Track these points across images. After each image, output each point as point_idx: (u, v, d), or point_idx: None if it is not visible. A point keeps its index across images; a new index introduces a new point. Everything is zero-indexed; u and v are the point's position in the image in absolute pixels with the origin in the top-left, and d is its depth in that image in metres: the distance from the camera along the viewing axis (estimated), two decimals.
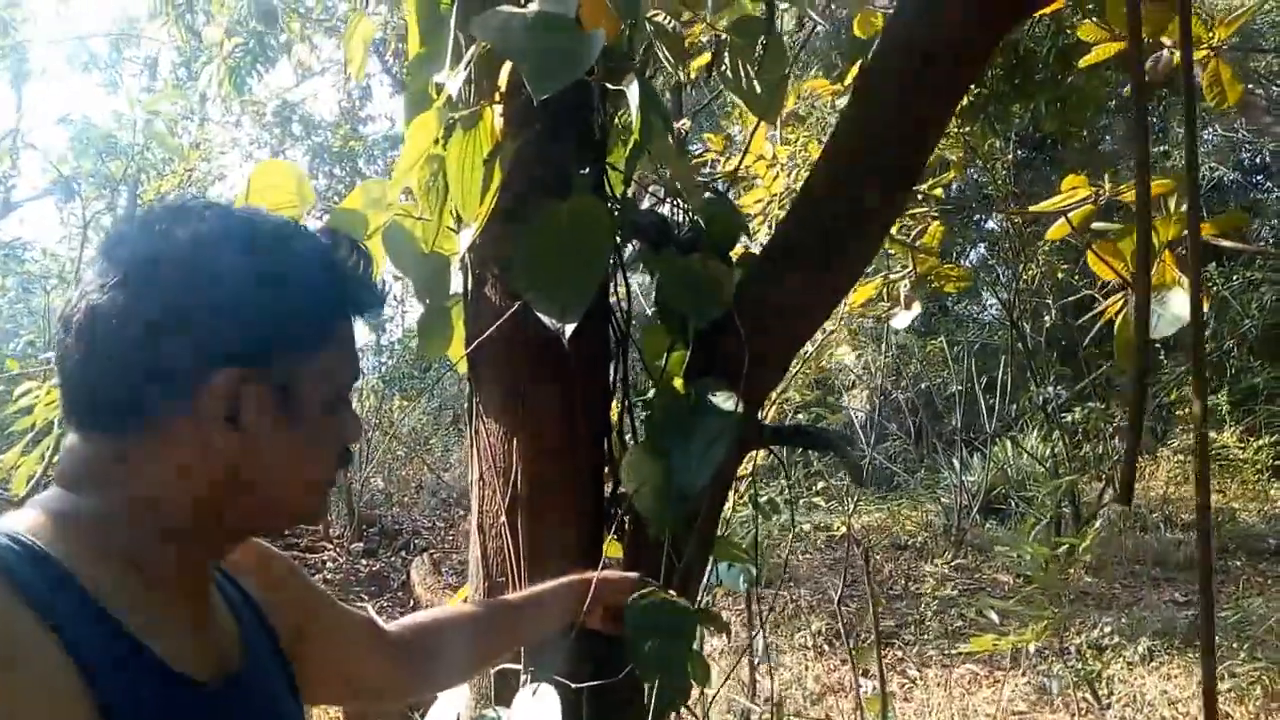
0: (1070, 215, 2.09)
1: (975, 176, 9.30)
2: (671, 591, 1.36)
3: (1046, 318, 8.78)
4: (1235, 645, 5.18)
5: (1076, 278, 8.66)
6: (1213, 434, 9.18)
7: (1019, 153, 9.00)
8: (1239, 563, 7.27)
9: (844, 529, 3.84)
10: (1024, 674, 4.98)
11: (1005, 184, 8.14)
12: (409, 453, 10.53)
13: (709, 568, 1.64)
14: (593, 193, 1.40)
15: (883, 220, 1.39)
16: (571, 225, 1.33)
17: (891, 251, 2.77)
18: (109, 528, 0.76)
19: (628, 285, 1.56)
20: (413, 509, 10.08)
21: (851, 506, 3.47)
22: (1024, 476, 8.68)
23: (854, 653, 3.28)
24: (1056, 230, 2.18)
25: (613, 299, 1.61)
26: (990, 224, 11.21)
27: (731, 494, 1.98)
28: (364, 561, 8.16)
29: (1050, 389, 7.88)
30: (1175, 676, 5.02)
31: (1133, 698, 4.76)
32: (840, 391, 8.94)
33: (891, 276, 2.58)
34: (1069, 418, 8.36)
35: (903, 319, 2.46)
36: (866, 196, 1.32)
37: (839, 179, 1.38)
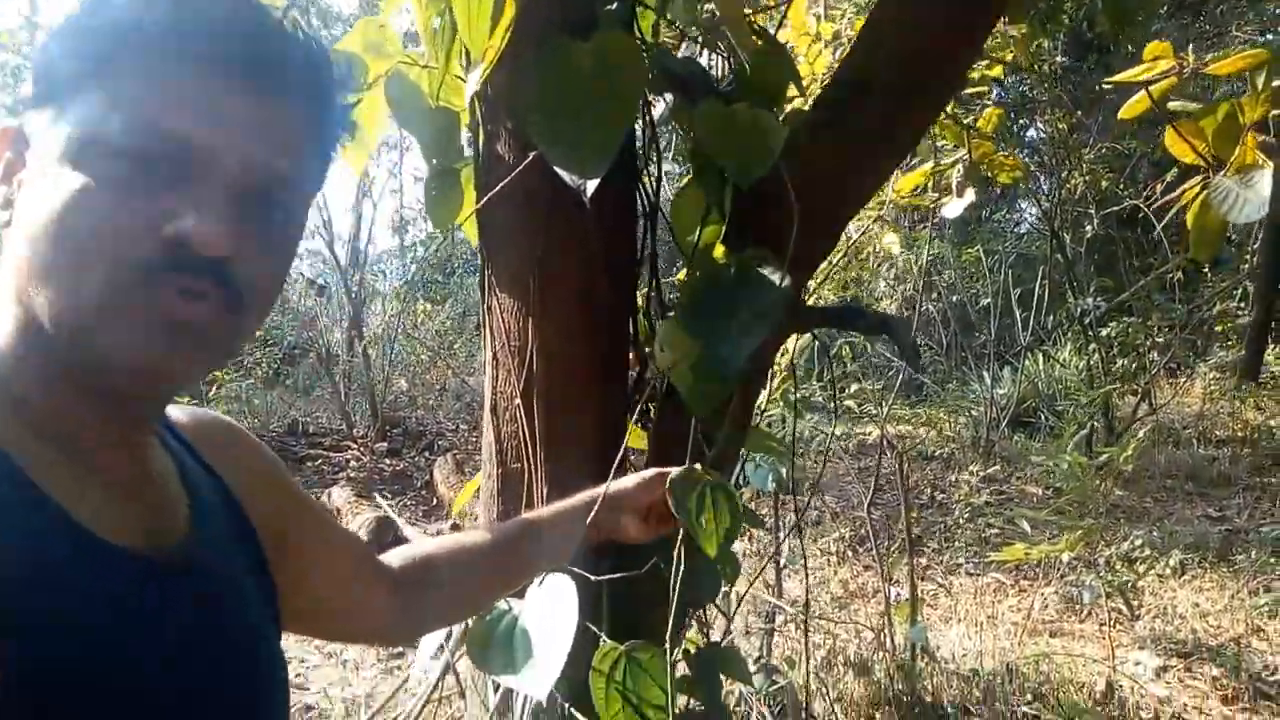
0: (1151, 89, 1.88)
1: (1019, 83, 8.91)
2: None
3: (1088, 228, 8.49)
4: (1273, 560, 5.09)
5: (1121, 187, 8.35)
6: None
7: (1064, 59, 8.58)
8: (1274, 479, 7.14)
9: (872, 436, 3.72)
10: (1051, 584, 4.90)
11: (1052, 87, 7.80)
12: (433, 357, 10.48)
13: (741, 462, 1.52)
14: (621, 30, 1.22)
15: (960, 62, 1.21)
16: (596, 67, 1.17)
17: (942, 140, 2.58)
18: None
19: (657, 144, 1.40)
20: (437, 411, 10.08)
21: (885, 410, 3.34)
22: (1055, 391, 8.52)
23: (883, 558, 3.18)
24: (1133, 106, 1.97)
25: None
26: (1031, 132, 10.82)
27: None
28: (388, 461, 8.17)
29: (1089, 300, 7.64)
30: (1207, 590, 4.92)
31: (1163, 610, 4.67)
32: (870, 304, 8.75)
33: (943, 162, 2.40)
34: (1105, 331, 8.15)
35: (955, 207, 2.28)
36: (943, 31, 1.14)
37: (914, 7, 1.20)
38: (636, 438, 1.51)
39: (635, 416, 1.48)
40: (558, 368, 1.37)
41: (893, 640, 3.19)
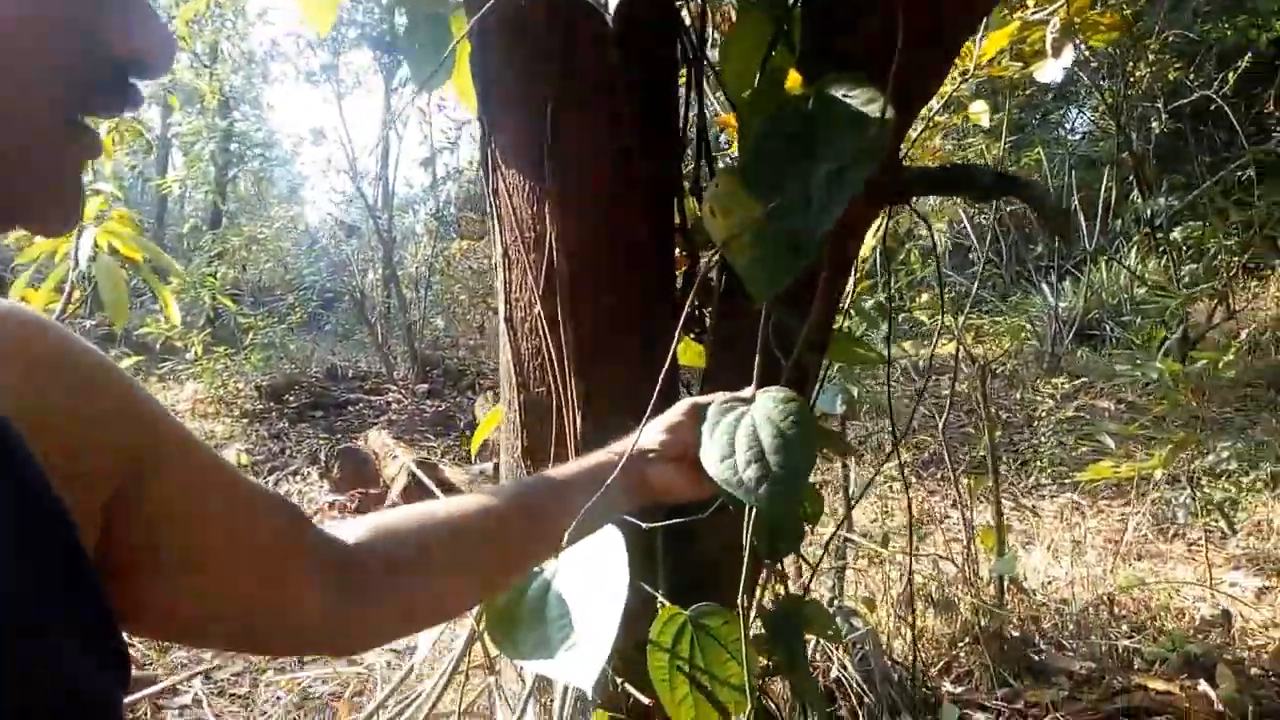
0: None
1: None
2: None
3: (1155, 124, 7.91)
4: None
5: (1191, 77, 7.75)
6: None
7: None
8: None
9: (943, 348, 3.38)
10: (1132, 504, 4.57)
11: None
12: (470, 295, 10.21)
13: (823, 374, 1.21)
14: None
15: None
16: None
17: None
18: None
19: None
20: (478, 351, 9.84)
21: (961, 320, 2.99)
22: (1121, 301, 8.04)
23: (966, 482, 2.88)
24: None
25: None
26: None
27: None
28: (429, 402, 7.98)
29: (1159, 201, 7.13)
30: None
31: (1257, 526, 4.33)
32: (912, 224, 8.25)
33: (1031, 18, 2.03)
34: (1175, 234, 7.63)
35: (1053, 69, 1.92)
36: None
37: None
38: (691, 353, 1.21)
39: (684, 323, 1.18)
40: (585, 263, 1.06)
41: (975, 572, 2.90)
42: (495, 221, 1.13)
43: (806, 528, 1.23)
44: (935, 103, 2.06)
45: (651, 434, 0.92)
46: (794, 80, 0.94)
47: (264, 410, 7.51)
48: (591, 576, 0.90)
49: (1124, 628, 3.07)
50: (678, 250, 1.20)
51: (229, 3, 8.22)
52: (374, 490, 4.84)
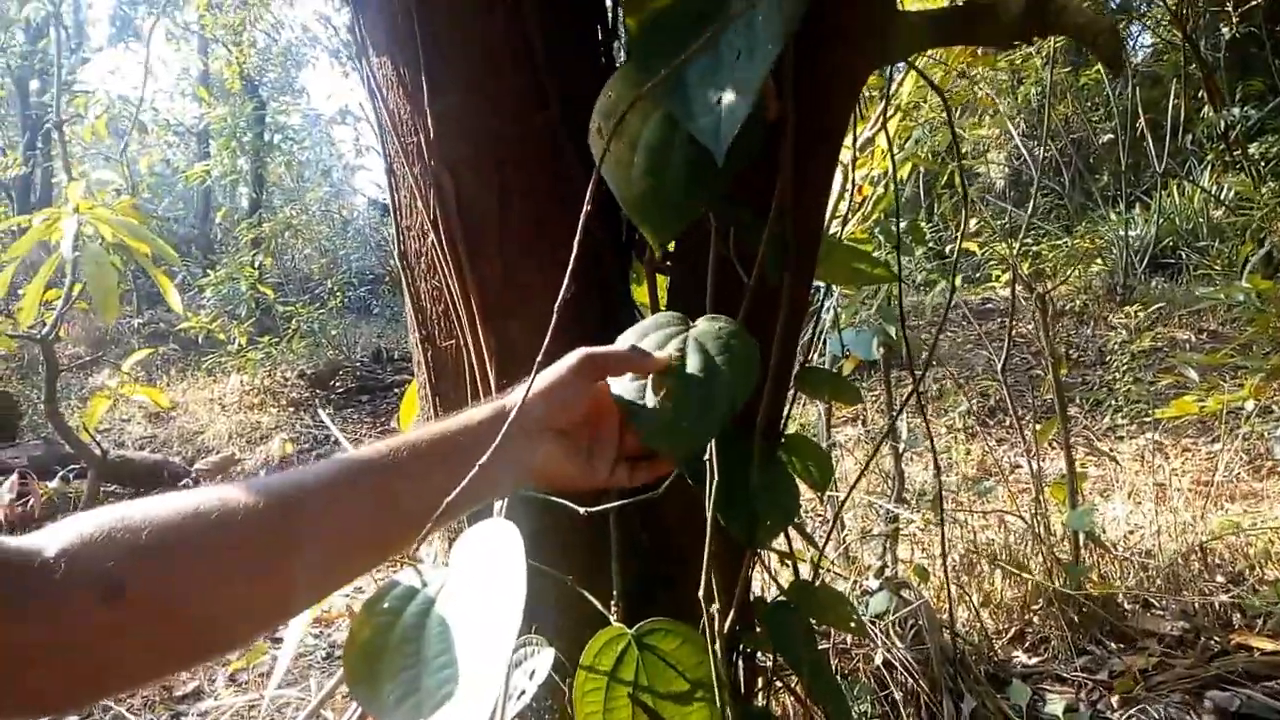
0: None
1: None
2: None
3: (1224, 29, 7.33)
4: None
5: None
6: None
7: None
8: None
9: (1001, 285, 3.06)
10: (1220, 440, 4.18)
11: None
12: None
13: (821, 302, 0.94)
14: None
15: None
16: None
17: None
18: None
19: None
20: None
21: (1017, 245, 2.65)
22: (1196, 225, 7.51)
23: (1025, 429, 2.57)
24: None
25: None
26: None
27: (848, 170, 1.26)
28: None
29: (1235, 111, 6.60)
30: None
31: None
32: (971, 160, 7.79)
33: None
34: (1252, 150, 7.07)
35: None
36: None
37: None
38: (644, 291, 0.95)
39: (627, 245, 0.93)
40: (477, 172, 0.81)
41: (1047, 528, 2.59)
42: (378, 129, 0.88)
43: (808, 498, 0.97)
44: None
45: (540, 389, 0.66)
46: None
47: (309, 398, 7.42)
48: (484, 596, 0.65)
49: (1220, 579, 2.74)
50: None
51: None
52: None
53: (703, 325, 0.68)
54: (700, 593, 0.74)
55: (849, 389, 0.94)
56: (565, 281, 0.61)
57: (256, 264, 7.93)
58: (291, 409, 7.18)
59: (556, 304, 0.63)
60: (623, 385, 0.70)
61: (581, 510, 0.81)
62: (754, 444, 0.77)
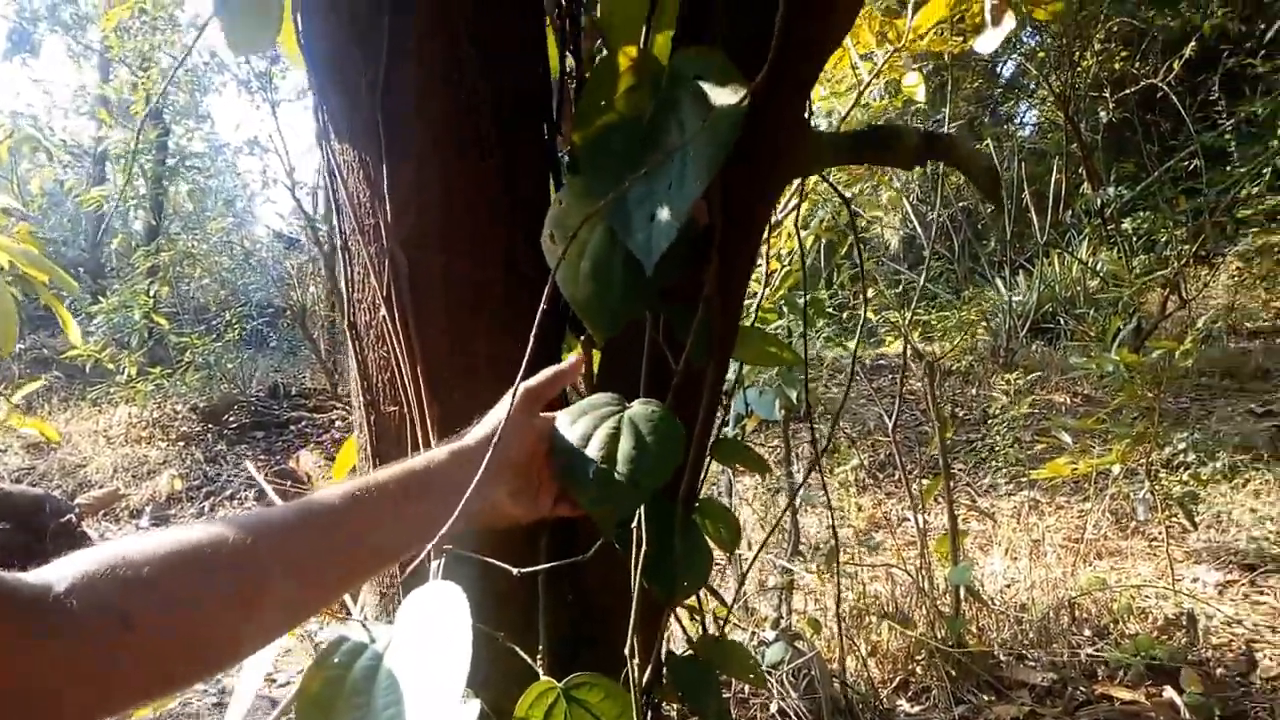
0: None
1: None
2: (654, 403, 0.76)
3: (1103, 114, 7.88)
4: None
5: (1137, 67, 7.73)
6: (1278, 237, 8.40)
7: None
8: None
9: (893, 349, 3.26)
10: (1090, 500, 4.46)
11: None
12: None
13: (733, 376, 1.03)
14: None
15: None
16: None
17: None
18: None
19: None
20: None
21: (908, 316, 2.85)
22: (1074, 294, 7.99)
23: (911, 484, 2.72)
24: None
25: None
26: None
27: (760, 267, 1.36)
28: None
29: (1110, 190, 7.08)
30: (1263, 494, 4.48)
31: (1217, 518, 4.24)
32: (866, 221, 8.14)
33: None
34: (1125, 225, 7.59)
35: (991, 39, 1.77)
36: None
37: None
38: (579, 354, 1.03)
39: (567, 324, 1.00)
40: (431, 249, 0.88)
41: (931, 582, 2.75)
42: (334, 208, 0.94)
43: (720, 557, 1.05)
44: (863, 74, 1.90)
45: (482, 431, 0.74)
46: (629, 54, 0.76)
47: (201, 432, 7.22)
48: (430, 649, 0.72)
49: (1086, 633, 2.93)
50: None
51: (157, 9, 7.92)
52: None
53: (637, 408, 0.76)
54: (626, 649, 0.81)
55: (758, 460, 1.03)
56: (525, 359, 0.69)
57: (152, 292, 7.71)
58: (182, 443, 6.97)
59: (519, 374, 0.70)
60: (562, 443, 0.79)
61: (514, 571, 0.87)
62: (677, 512, 0.86)
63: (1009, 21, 1.77)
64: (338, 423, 7.65)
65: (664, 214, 0.68)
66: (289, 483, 4.95)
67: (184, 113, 10.80)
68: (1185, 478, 4.47)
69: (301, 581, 0.68)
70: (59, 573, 0.55)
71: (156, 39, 8.19)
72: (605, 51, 0.98)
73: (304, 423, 7.66)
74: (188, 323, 8.78)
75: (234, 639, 0.65)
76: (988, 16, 1.82)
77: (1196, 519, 4.03)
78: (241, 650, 0.67)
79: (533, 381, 0.76)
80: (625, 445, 0.74)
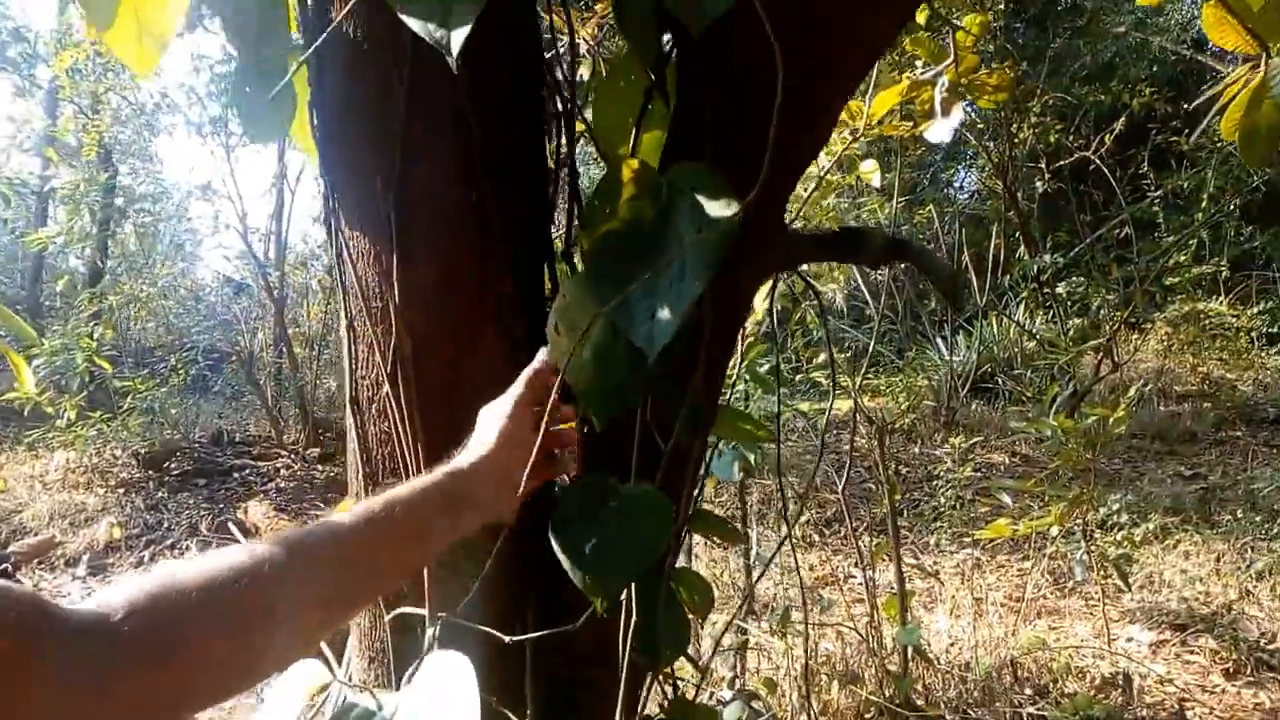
0: None
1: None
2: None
3: (1039, 184, 8.22)
4: (1257, 519, 4.87)
5: (1071, 139, 8.10)
6: (1204, 304, 8.79)
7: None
8: (1240, 433, 6.98)
9: (841, 411, 3.37)
10: (1032, 559, 4.59)
11: (994, 38, 7.50)
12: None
13: (709, 455, 1.10)
14: None
15: None
16: None
17: (916, 55, 2.19)
18: None
19: (567, 7, 0.97)
20: None
21: (858, 379, 2.96)
22: (1012, 355, 8.25)
23: (869, 542, 2.80)
24: None
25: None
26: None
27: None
28: (320, 468, 7.64)
29: (1045, 257, 7.36)
30: (1193, 554, 4.66)
31: (1149, 578, 4.40)
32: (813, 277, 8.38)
33: (920, 77, 2.00)
34: (1060, 289, 7.90)
35: (942, 129, 1.89)
36: None
37: None
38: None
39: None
40: (435, 337, 0.94)
41: (880, 641, 2.82)
42: (341, 290, 1.00)
43: (695, 622, 1.11)
44: (827, 161, 2.01)
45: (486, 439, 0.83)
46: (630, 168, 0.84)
47: (142, 479, 7.07)
48: (440, 716, 0.76)
49: (1028, 692, 3.02)
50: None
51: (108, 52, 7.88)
52: None
53: (631, 490, 0.83)
54: (620, 712, 0.86)
55: (732, 532, 1.10)
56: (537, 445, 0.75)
57: (96, 335, 7.58)
58: (121, 490, 6.81)
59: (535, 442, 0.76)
60: (560, 520, 0.86)
61: (506, 639, 0.92)
62: (662, 585, 0.92)
63: (957, 114, 1.90)
64: (283, 471, 7.56)
65: (664, 313, 0.75)
66: (230, 538, 4.88)
67: (130, 151, 10.70)
68: (1119, 538, 4.63)
69: (325, 624, 0.73)
70: (119, 595, 0.60)
71: (109, 80, 8.15)
72: (595, 149, 1.06)
73: (248, 470, 7.54)
74: (130, 366, 8.63)
75: (278, 656, 0.70)
76: (938, 107, 1.95)
77: (1130, 580, 4.17)
78: (284, 662, 0.73)
79: (510, 404, 0.85)
80: (621, 525, 0.80)
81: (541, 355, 0.89)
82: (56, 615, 0.55)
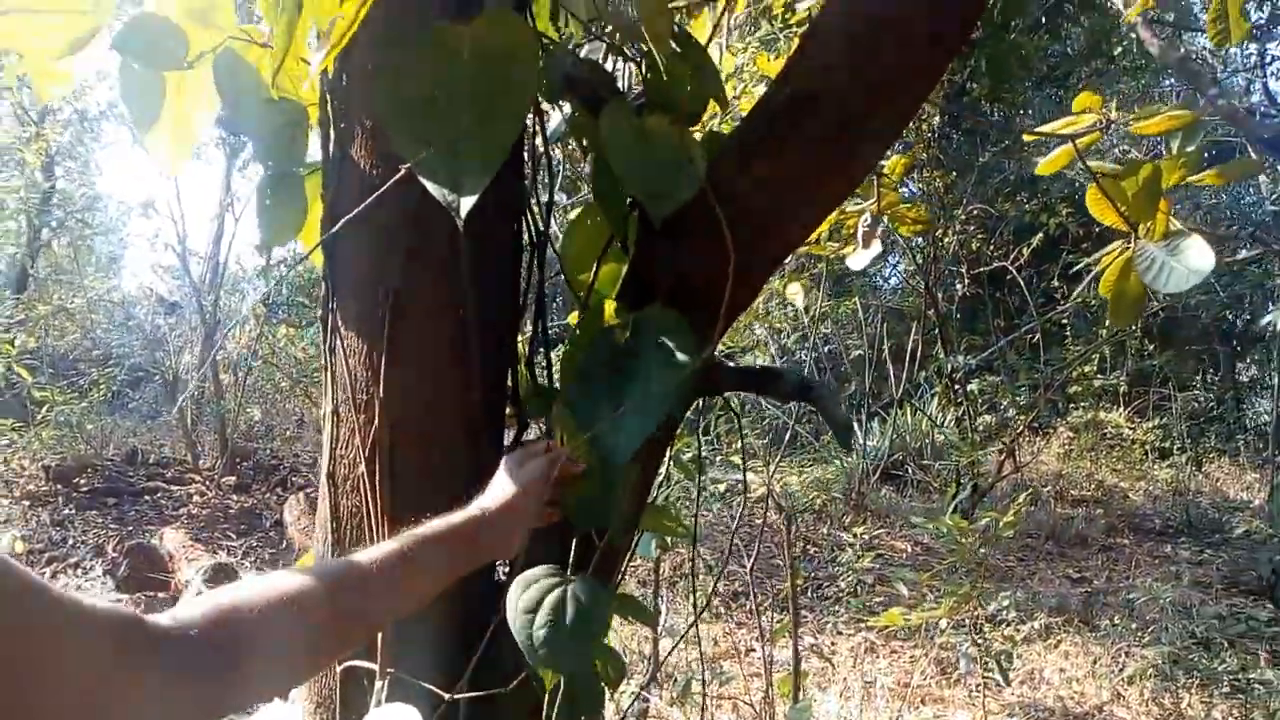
0: (1077, 141, 1.76)
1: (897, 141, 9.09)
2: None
3: (959, 286, 8.67)
4: (1133, 626, 5.17)
5: (991, 248, 8.58)
6: (1104, 414, 9.32)
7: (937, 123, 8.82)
8: (1127, 541, 7.37)
9: (755, 490, 3.57)
10: (923, 646, 4.82)
11: (929, 146, 7.95)
12: (292, 384, 9.85)
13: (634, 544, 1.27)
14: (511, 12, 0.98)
15: (925, 78, 1.00)
16: (477, 57, 0.92)
17: None
18: None
19: (549, 159, 1.15)
20: (294, 443, 9.45)
21: (771, 468, 3.17)
22: (923, 445, 8.61)
23: (769, 621, 2.98)
24: (1053, 161, 1.86)
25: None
26: (904, 189, 11.07)
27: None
28: (235, 497, 7.57)
29: (959, 357, 7.76)
30: (1072, 655, 4.93)
31: (1030, 675, 4.65)
32: (741, 352, 8.70)
33: (847, 209, 2.23)
34: (972, 387, 8.30)
35: (862, 258, 2.12)
36: (904, 48, 0.94)
37: (865, 21, 0.98)
38: None
39: None
40: (411, 428, 1.10)
41: (772, 717, 2.98)
42: (329, 377, 1.15)
43: (608, 692, 1.27)
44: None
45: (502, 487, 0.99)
46: (613, 308, 1.03)
47: (50, 493, 6.93)
48: None
49: None
50: (509, 415, 1.26)
51: None
52: (163, 595, 4.53)
53: (578, 583, 0.99)
54: None
55: (649, 614, 1.26)
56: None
57: (17, 342, 7.45)
58: (27, 503, 6.68)
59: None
60: (514, 609, 1.01)
61: (446, 697, 1.07)
62: (590, 658, 1.08)
63: (876, 246, 2.13)
64: (195, 497, 7.47)
65: (631, 431, 0.93)
66: (139, 562, 4.84)
67: (72, 158, 10.59)
68: (1006, 634, 4.89)
69: (343, 646, 0.90)
70: (193, 614, 0.73)
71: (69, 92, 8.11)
72: (564, 275, 1.23)
73: (160, 494, 7.44)
74: (48, 376, 8.47)
75: (298, 677, 0.87)
76: (859, 238, 2.18)
77: (1011, 675, 4.42)
78: (311, 675, 0.95)
79: (538, 468, 1.01)
80: (570, 612, 0.96)
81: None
82: (149, 626, 0.68)
